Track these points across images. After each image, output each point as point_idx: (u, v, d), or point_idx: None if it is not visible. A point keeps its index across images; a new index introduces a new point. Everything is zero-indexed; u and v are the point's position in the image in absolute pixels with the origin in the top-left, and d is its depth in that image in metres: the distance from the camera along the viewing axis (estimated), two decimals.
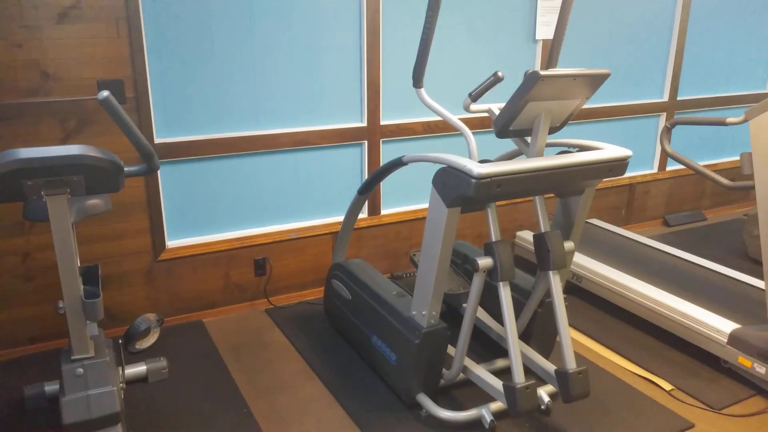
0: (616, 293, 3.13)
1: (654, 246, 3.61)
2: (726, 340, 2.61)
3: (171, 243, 3.03)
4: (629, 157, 2.12)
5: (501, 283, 2.11)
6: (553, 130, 2.17)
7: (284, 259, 3.31)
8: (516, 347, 2.10)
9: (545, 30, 3.67)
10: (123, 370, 2.44)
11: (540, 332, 2.59)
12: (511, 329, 2.11)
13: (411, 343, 2.26)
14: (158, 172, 2.90)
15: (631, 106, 4.19)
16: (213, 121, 2.97)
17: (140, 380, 2.58)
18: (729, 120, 2.51)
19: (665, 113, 4.37)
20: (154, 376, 2.57)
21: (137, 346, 2.80)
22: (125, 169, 1.90)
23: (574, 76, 1.91)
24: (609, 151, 2.12)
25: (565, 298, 2.46)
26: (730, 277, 3.20)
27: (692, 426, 2.34)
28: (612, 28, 3.94)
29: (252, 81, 3.00)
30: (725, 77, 4.61)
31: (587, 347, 2.91)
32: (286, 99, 3.10)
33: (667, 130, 2.84)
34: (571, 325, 3.11)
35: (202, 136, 2.96)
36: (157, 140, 2.86)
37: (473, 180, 1.88)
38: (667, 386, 2.59)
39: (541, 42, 3.69)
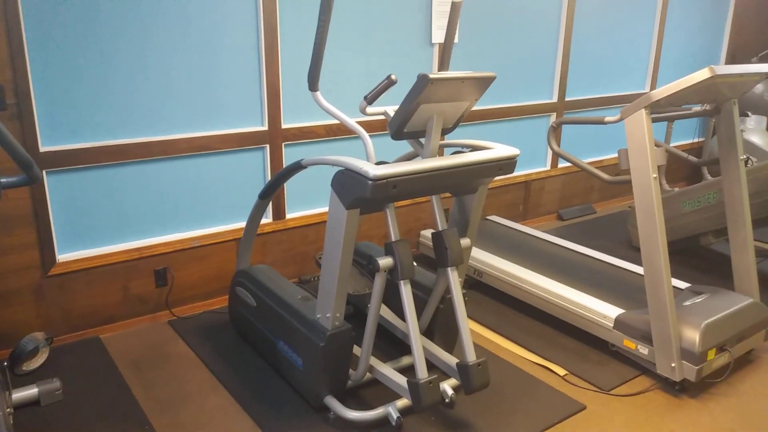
0: (514, 286, 3.27)
1: (548, 239, 3.81)
2: (612, 325, 2.80)
3: (62, 257, 2.87)
4: (517, 155, 2.23)
5: (401, 282, 2.16)
6: (445, 131, 2.25)
7: (187, 268, 3.22)
8: (418, 344, 2.16)
9: (441, 34, 3.79)
10: (10, 395, 2.28)
11: (443, 328, 2.67)
12: (412, 326, 2.17)
13: (316, 346, 2.27)
14: (45, 182, 2.74)
15: (524, 107, 4.40)
16: (105, 128, 2.84)
17: (32, 404, 2.43)
18: (607, 119, 2.70)
19: (555, 113, 4.62)
20: (46, 399, 2.43)
21: (24, 368, 2.63)
22: (2, 180, 1.79)
23: (462, 79, 1.99)
24: (498, 150, 2.23)
25: (464, 294, 2.55)
26: (616, 266, 3.43)
27: (584, 407, 2.49)
28: (504, 33, 4.12)
29: (146, 84, 2.90)
30: (609, 79, 4.93)
31: (488, 339, 3.03)
32: (183, 103, 3.02)
33: (553, 130, 3.01)
34: (473, 318, 3.22)
35: (94, 143, 2.83)
36: (42, 149, 2.70)
37: (369, 182, 1.91)
38: (561, 371, 2.74)
39: (437, 45, 3.80)
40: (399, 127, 2.09)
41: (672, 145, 5.65)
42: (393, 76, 2.12)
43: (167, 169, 3.06)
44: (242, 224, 3.35)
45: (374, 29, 3.53)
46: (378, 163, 2.06)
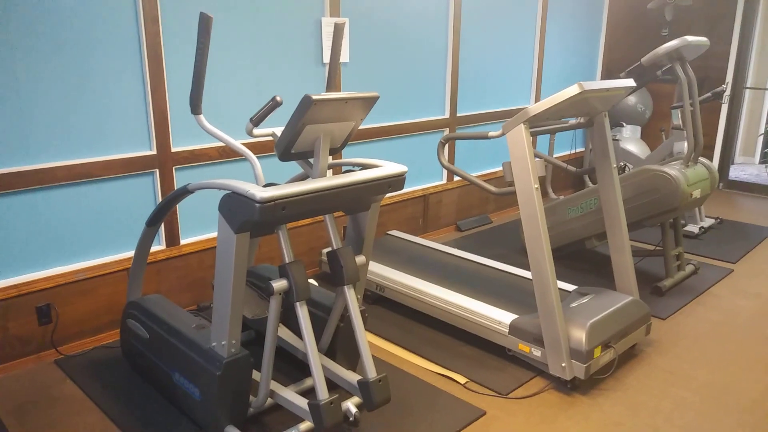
0: (415, 299, 3.33)
1: (447, 251, 3.91)
2: (507, 331, 2.91)
3: None
4: (405, 172, 2.28)
5: (298, 304, 2.14)
6: (334, 151, 2.26)
7: (73, 302, 3.03)
8: (317, 364, 2.14)
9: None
10: None
11: (345, 346, 2.67)
12: (311, 347, 2.15)
13: (212, 375, 2.20)
14: None
15: (419, 123, 4.52)
16: None
17: None
18: (491, 134, 2.82)
19: (448, 128, 4.78)
20: None
21: None
22: None
23: (346, 99, 2.02)
24: (387, 168, 2.27)
25: (363, 310, 2.57)
26: (511, 273, 3.58)
27: (484, 413, 2.57)
28: (396, 52, 4.22)
29: (16, 109, 2.72)
30: (497, 94, 5.17)
31: (391, 353, 3.06)
32: (61, 129, 2.86)
33: (442, 146, 3.11)
34: (376, 333, 3.25)
35: None
36: None
37: (257, 204, 1.89)
38: (462, 379, 2.81)
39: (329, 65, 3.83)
40: (286, 149, 2.08)
41: (556, 155, 5.98)
42: (278, 98, 2.12)
43: (44, 199, 2.88)
44: (132, 254, 3.21)
45: (265, 50, 3.51)
46: (267, 185, 2.04)
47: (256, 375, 2.52)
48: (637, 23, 6.58)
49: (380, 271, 3.56)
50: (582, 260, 4.31)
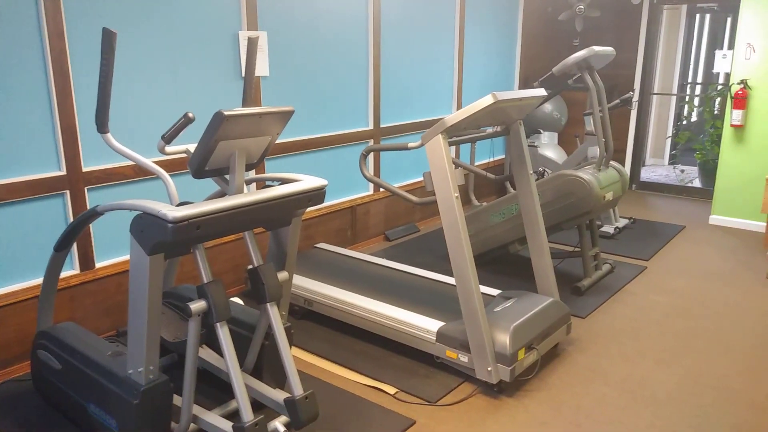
0: (343, 311, 3.32)
1: (375, 262, 3.92)
2: (435, 338, 2.94)
3: None
4: (325, 186, 2.27)
5: (218, 324, 2.09)
6: (251, 166, 2.23)
7: None
8: (241, 385, 2.09)
9: None
10: None
11: (271, 364, 2.62)
12: (233, 368, 2.10)
13: (130, 404, 2.10)
14: None
15: (343, 135, 4.52)
16: None
17: None
18: (410, 145, 2.86)
19: (372, 140, 4.81)
20: None
21: None
22: None
23: (260, 114, 1.99)
24: (307, 182, 2.25)
25: (289, 326, 2.53)
26: (438, 281, 3.62)
27: (414, 422, 2.57)
28: (318, 65, 4.21)
29: None
30: (420, 104, 5.24)
31: (321, 368, 3.03)
32: None
33: (364, 157, 3.12)
34: (304, 348, 3.21)
35: None
36: None
37: (169, 224, 1.83)
38: (392, 390, 2.82)
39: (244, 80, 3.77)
40: (199, 166, 2.03)
41: (478, 163, 6.13)
42: (190, 114, 2.07)
43: None
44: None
45: (182, 64, 3.42)
46: (181, 204, 1.99)
47: (178, 400, 2.43)
48: (551, 34, 6.86)
49: (307, 285, 3.52)
50: (506, 264, 4.41)
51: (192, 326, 2.10)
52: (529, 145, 5.43)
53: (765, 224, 5.04)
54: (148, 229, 1.91)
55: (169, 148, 2.15)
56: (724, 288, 4.04)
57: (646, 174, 7.41)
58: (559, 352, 3.19)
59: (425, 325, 2.99)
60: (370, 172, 4.87)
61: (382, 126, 4.86)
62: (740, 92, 5.12)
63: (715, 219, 5.50)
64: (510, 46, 6.31)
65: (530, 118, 6.39)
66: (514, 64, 6.44)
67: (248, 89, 2.45)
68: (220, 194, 2.42)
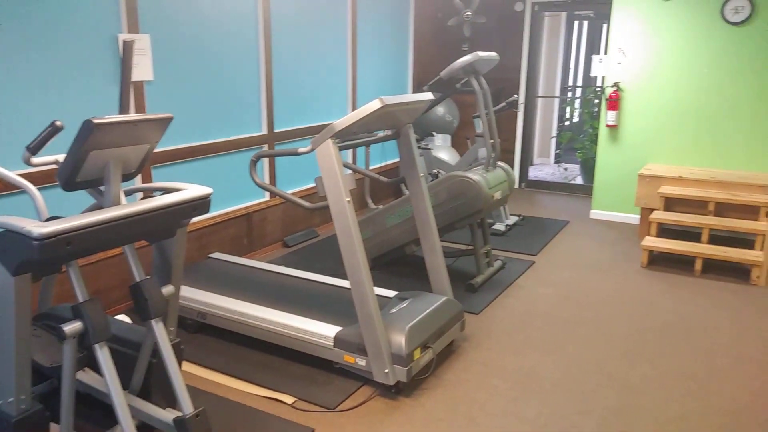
0: (239, 322, 3.23)
1: (272, 269, 3.85)
2: (332, 344, 2.93)
3: None
4: (210, 194, 2.20)
5: (97, 346, 1.97)
6: (129, 176, 2.12)
7: None
8: (124, 408, 1.98)
9: (134, 72, 3.59)
10: None
11: (160, 383, 2.50)
12: (115, 391, 1.98)
13: None
14: None
15: (235, 141, 4.41)
16: None
17: None
18: (301, 150, 2.83)
19: (267, 145, 4.73)
20: None
21: None
22: None
23: (135, 122, 1.90)
24: (190, 191, 2.17)
25: (178, 342, 2.43)
26: (337, 286, 3.61)
27: (312, 431, 2.55)
28: (207, 69, 4.08)
29: None
30: (316, 108, 5.22)
31: (216, 382, 2.93)
32: None
33: (254, 163, 3.06)
34: (198, 363, 3.09)
35: None
36: None
37: (35, 242, 1.70)
38: (290, 399, 2.78)
39: (131, 84, 3.59)
40: (69, 178, 1.90)
41: (376, 166, 6.19)
42: (58, 122, 1.94)
43: None
44: None
45: (57, 70, 3.19)
46: (49, 219, 1.85)
47: (57, 428, 2.26)
48: (441, 39, 7.06)
49: (200, 297, 3.40)
50: (405, 266, 4.48)
51: (67, 349, 1.96)
52: (423, 148, 5.55)
53: (639, 217, 5.44)
54: (11, 248, 1.77)
55: (36, 159, 2.01)
56: (604, 278, 4.32)
57: (534, 173, 7.80)
58: (454, 348, 3.28)
59: (322, 331, 2.98)
60: (264, 178, 4.79)
61: (276, 131, 4.79)
62: (613, 94, 5.51)
63: (595, 213, 5.88)
64: (403, 51, 6.42)
65: (423, 121, 6.54)
66: (408, 68, 6.56)
67: (125, 95, 2.34)
68: (97, 207, 2.29)
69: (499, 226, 5.30)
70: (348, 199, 2.72)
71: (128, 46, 2.23)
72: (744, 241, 4.84)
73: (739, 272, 4.44)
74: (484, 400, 2.80)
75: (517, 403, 2.78)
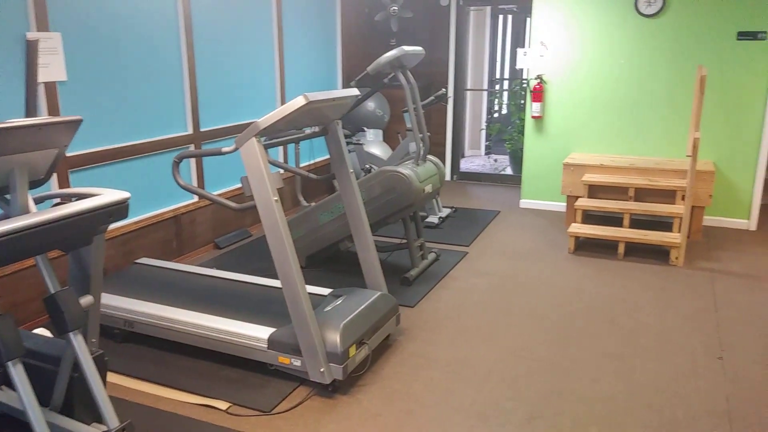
0: (168, 329, 3.13)
1: (201, 273, 3.75)
2: (266, 346, 2.88)
3: None
4: (127, 199, 2.11)
5: (9, 364, 1.86)
6: (38, 183, 2.01)
7: None
8: (41, 425, 1.88)
9: (44, 72, 3.40)
10: None
11: (83, 398, 2.39)
12: (32, 409, 1.88)
13: None
14: None
15: (159, 141, 4.27)
16: None
17: None
18: (224, 149, 2.76)
19: (193, 145, 4.60)
20: None
21: None
22: None
23: (39, 126, 1.80)
24: (106, 196, 2.07)
25: (101, 354, 2.33)
26: (269, 286, 3.55)
27: None
28: (125, 68, 3.92)
29: None
30: (244, 106, 5.11)
31: (146, 392, 2.83)
32: None
33: (176, 164, 2.97)
34: (126, 374, 2.98)
35: None
36: None
37: None
38: (224, 405, 2.71)
39: (42, 85, 3.40)
40: None
41: (307, 163, 6.13)
42: None
43: None
44: None
45: None
46: None
47: None
48: (369, 34, 7.05)
49: (127, 305, 3.27)
50: (339, 263, 4.46)
51: None
52: (354, 143, 5.54)
53: (565, 205, 5.62)
54: None
55: None
56: (534, 265, 4.44)
57: (466, 165, 7.92)
58: (390, 343, 3.29)
59: (255, 333, 2.92)
60: (191, 179, 4.66)
61: (202, 130, 4.66)
62: (537, 86, 5.66)
63: (524, 203, 6.03)
64: (331, 46, 6.38)
65: (354, 116, 6.52)
66: (337, 63, 6.53)
67: (31, 98, 2.21)
68: (4, 217, 2.16)
69: (433, 219, 5.36)
70: (276, 198, 2.68)
71: (32, 45, 2.11)
72: (663, 224, 5.09)
73: (659, 254, 4.66)
74: (420, 392, 2.83)
75: (452, 393, 2.81)
